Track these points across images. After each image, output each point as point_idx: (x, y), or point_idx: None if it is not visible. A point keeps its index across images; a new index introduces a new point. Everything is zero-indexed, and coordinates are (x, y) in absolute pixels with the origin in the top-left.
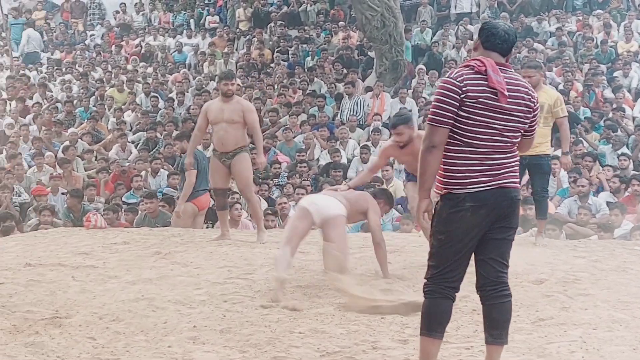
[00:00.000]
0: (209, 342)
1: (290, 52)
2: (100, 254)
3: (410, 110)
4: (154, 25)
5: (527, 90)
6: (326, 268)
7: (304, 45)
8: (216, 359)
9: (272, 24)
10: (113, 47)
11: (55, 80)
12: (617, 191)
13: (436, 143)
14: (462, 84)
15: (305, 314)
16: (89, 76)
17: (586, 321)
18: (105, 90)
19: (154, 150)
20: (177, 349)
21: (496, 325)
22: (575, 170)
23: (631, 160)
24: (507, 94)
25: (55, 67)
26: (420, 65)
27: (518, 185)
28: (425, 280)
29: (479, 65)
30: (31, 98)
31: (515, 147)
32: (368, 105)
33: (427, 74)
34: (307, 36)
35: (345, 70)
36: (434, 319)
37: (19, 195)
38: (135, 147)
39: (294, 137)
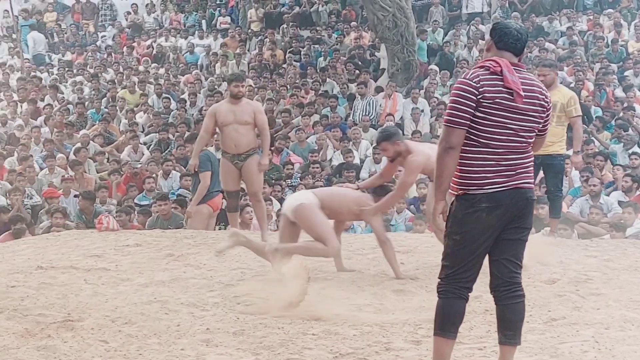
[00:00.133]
0: (222, 344)
1: (302, 53)
2: (112, 256)
3: (422, 111)
4: (166, 26)
5: (540, 89)
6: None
7: (316, 46)
8: None
9: (284, 25)
10: (124, 48)
11: (67, 82)
12: (629, 190)
13: (453, 144)
14: (478, 85)
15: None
16: (101, 77)
17: (598, 321)
18: (117, 92)
19: (166, 151)
20: (190, 352)
21: (510, 325)
22: (587, 170)
23: None
24: (522, 94)
25: (67, 69)
26: (432, 66)
27: (533, 185)
28: (439, 280)
29: (495, 66)
30: (42, 100)
31: (530, 148)
32: (380, 106)
33: (439, 74)
34: (319, 37)
35: (357, 71)
36: (448, 319)
37: (31, 198)
38: (148, 149)
39: (306, 138)
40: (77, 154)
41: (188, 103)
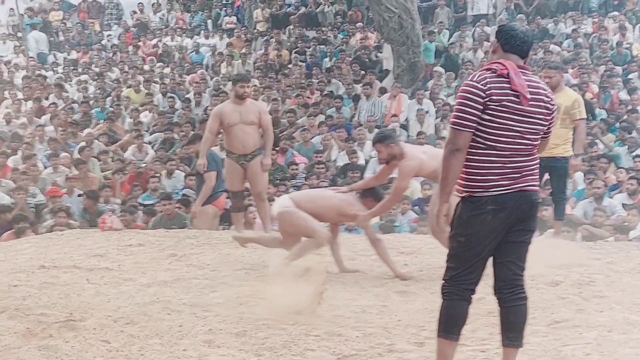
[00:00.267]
0: (224, 345)
1: (308, 53)
2: (115, 256)
3: (427, 112)
4: (172, 26)
5: (546, 92)
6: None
7: (322, 46)
8: None
9: (290, 25)
10: (130, 48)
11: (72, 81)
12: (633, 193)
13: (460, 146)
14: (485, 88)
15: (321, 316)
16: (106, 76)
17: (601, 323)
18: (122, 91)
19: (170, 151)
20: (193, 353)
21: (512, 327)
22: (591, 172)
23: None
24: (529, 96)
25: (72, 68)
26: (438, 67)
27: (538, 188)
28: (443, 282)
29: (501, 69)
30: (47, 98)
31: (536, 150)
32: (386, 107)
33: (444, 76)
34: (325, 37)
35: (363, 72)
36: (451, 321)
37: (34, 197)
38: (152, 148)
39: (311, 138)
40: (81, 153)
41: (193, 102)
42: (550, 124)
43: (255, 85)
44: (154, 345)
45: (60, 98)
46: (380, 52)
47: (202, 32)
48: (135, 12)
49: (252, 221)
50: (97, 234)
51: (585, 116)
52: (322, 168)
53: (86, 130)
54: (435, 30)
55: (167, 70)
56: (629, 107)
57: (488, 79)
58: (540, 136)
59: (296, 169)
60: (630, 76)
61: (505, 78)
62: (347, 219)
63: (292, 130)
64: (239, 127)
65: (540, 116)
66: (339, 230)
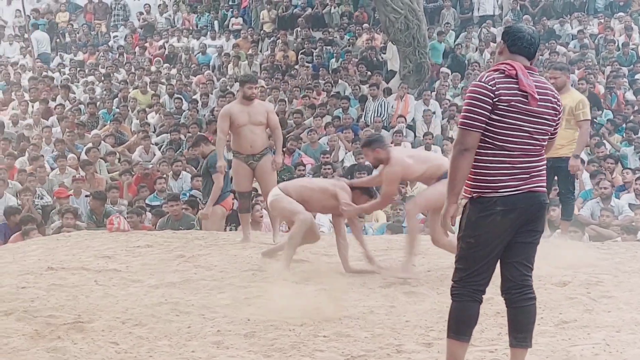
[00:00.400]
0: (233, 346)
1: (314, 54)
2: (123, 257)
3: (434, 113)
4: (178, 27)
5: (553, 93)
6: None
7: (328, 47)
8: None
9: (297, 26)
10: (137, 49)
11: (78, 82)
12: None
13: (469, 146)
14: (494, 88)
15: (329, 317)
16: (112, 77)
17: (609, 323)
18: (129, 92)
19: (177, 152)
20: (201, 354)
21: (521, 328)
22: (598, 172)
23: None
24: (537, 97)
25: (78, 69)
26: (444, 68)
27: (545, 189)
28: (453, 283)
29: (509, 69)
30: (54, 99)
31: (543, 151)
32: (392, 107)
33: (450, 76)
34: (332, 38)
35: (369, 72)
36: (462, 322)
37: (41, 198)
38: (159, 149)
39: (318, 139)
40: (88, 154)
41: (200, 104)
42: (557, 124)
43: (262, 86)
44: (163, 347)
45: (67, 99)
46: (384, 53)
47: (209, 33)
48: (141, 13)
49: (258, 219)
50: (105, 236)
51: (589, 117)
52: (329, 169)
53: (93, 132)
54: (443, 31)
55: (173, 71)
56: (636, 108)
57: (496, 80)
58: (548, 137)
59: (303, 170)
60: (636, 77)
61: (514, 78)
62: (333, 207)
63: (299, 131)
64: (248, 128)
65: (548, 116)
66: (344, 229)
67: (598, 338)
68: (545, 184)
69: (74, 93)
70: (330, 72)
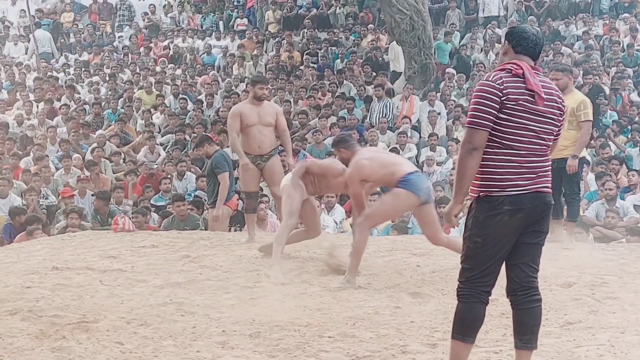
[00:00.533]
0: (238, 347)
1: (319, 55)
2: (128, 257)
3: (439, 113)
4: (183, 27)
5: (557, 93)
6: None
7: (333, 48)
8: None
9: (302, 27)
10: (141, 49)
11: (83, 82)
12: None
13: (477, 145)
14: (502, 87)
15: (335, 317)
16: (117, 78)
17: (614, 325)
18: (134, 92)
19: (182, 152)
20: (206, 354)
21: (526, 330)
22: (604, 173)
23: None
24: (544, 96)
25: (83, 69)
26: (449, 69)
27: (551, 190)
28: (459, 284)
29: (516, 69)
30: (59, 100)
31: (549, 151)
32: (397, 108)
33: (455, 77)
34: (337, 39)
35: (374, 73)
36: (468, 324)
37: (46, 198)
38: (164, 149)
39: (323, 140)
40: (93, 154)
41: (205, 104)
42: (562, 124)
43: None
44: (168, 347)
45: (72, 99)
46: (386, 54)
47: (214, 33)
48: (146, 14)
49: (263, 217)
50: (110, 236)
51: (591, 118)
52: None
53: (98, 132)
54: (449, 31)
55: (178, 71)
56: None
57: (504, 79)
58: (553, 136)
59: None
60: None
61: (521, 78)
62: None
63: (304, 131)
64: (257, 128)
65: (553, 116)
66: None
67: (603, 339)
68: (550, 185)
69: (79, 93)
70: (336, 72)
